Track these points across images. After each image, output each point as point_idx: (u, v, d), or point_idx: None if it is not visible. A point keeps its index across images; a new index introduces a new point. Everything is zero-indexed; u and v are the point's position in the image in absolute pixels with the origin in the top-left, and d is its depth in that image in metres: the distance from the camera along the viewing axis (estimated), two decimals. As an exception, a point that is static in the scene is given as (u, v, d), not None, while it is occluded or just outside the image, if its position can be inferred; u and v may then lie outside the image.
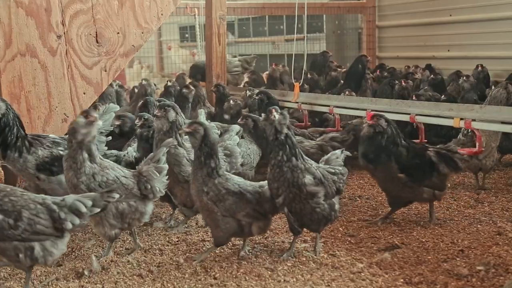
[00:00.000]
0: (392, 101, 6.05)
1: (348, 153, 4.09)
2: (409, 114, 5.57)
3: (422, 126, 5.56)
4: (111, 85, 7.17)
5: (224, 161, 4.51)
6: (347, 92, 6.97)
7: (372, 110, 5.92)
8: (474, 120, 4.99)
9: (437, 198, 4.44)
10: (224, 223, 3.61)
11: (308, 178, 3.59)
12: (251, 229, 3.70)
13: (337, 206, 3.77)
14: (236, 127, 5.07)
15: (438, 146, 4.59)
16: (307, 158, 3.73)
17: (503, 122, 4.86)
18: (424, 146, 4.52)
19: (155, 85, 8.20)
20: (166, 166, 3.85)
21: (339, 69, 8.46)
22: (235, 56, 13.78)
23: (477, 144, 5.08)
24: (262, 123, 3.82)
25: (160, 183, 3.78)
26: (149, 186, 3.74)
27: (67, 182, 3.68)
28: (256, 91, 6.76)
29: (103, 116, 4.53)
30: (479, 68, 7.52)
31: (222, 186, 3.59)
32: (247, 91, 6.72)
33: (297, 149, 3.63)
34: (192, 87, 7.11)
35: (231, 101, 6.37)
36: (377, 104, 6.02)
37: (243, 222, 3.64)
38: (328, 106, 6.44)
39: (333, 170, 3.79)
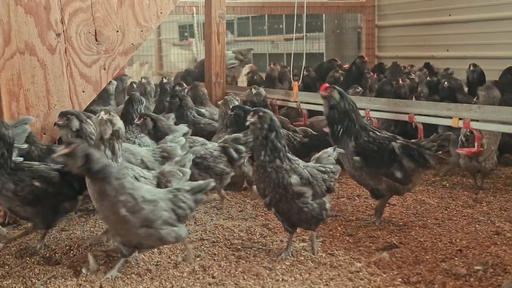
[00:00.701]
0: (390, 100, 6.06)
1: (341, 150, 4.08)
2: (408, 114, 5.59)
3: (421, 126, 5.57)
4: (110, 83, 7.17)
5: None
6: (353, 89, 6.99)
7: (370, 110, 5.95)
8: (477, 120, 5.01)
9: (398, 191, 4.37)
10: (142, 233, 3.34)
11: (294, 178, 3.58)
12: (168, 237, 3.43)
13: (328, 205, 3.75)
14: (184, 128, 4.75)
15: (412, 141, 4.53)
16: (294, 158, 3.70)
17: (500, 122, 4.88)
18: (392, 136, 4.45)
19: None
20: (189, 171, 3.80)
21: (340, 71, 8.43)
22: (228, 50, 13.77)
23: (475, 144, 5.10)
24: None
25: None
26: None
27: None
28: (261, 90, 6.75)
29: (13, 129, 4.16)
30: (471, 67, 7.53)
31: (137, 195, 3.29)
32: (253, 89, 6.71)
33: (281, 152, 3.60)
34: (185, 85, 7.11)
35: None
36: (376, 104, 6.02)
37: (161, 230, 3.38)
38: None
39: (323, 169, 3.76)
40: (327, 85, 4.48)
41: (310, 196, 3.63)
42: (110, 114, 3.72)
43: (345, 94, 4.43)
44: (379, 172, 4.29)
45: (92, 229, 4.37)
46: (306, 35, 7.69)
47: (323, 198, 3.72)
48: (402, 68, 8.79)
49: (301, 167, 3.66)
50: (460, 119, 5.11)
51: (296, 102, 6.94)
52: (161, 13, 5.38)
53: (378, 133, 4.41)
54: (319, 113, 6.79)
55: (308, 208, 3.64)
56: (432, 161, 4.31)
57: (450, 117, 5.22)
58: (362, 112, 5.99)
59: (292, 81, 7.15)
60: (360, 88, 7.13)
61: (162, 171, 3.74)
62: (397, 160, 4.27)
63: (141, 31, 5.26)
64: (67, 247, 3.95)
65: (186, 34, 14.89)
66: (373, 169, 4.29)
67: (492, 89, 5.73)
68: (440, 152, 4.32)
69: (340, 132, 4.33)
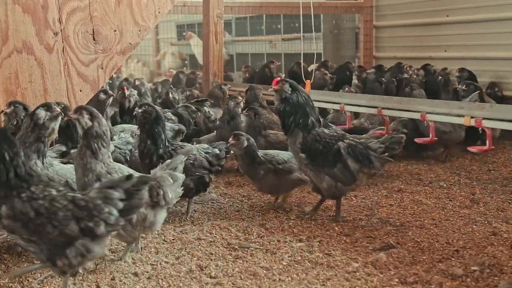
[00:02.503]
0: (403, 99, 6.10)
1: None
2: (420, 112, 5.61)
3: (433, 124, 5.59)
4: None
5: None
6: (346, 89, 7.05)
7: (382, 108, 5.98)
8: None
9: (339, 191, 4.37)
10: None
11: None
12: None
13: (81, 252, 2.94)
14: None
15: (361, 140, 4.52)
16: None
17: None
18: (341, 134, 4.46)
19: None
20: (182, 175, 3.68)
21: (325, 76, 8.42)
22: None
23: (487, 142, 5.13)
24: None
25: (173, 191, 3.61)
26: (161, 192, 3.57)
27: (77, 182, 3.62)
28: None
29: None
30: (457, 73, 7.60)
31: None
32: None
33: None
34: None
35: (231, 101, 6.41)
36: (388, 102, 6.05)
37: None
38: (339, 103, 6.46)
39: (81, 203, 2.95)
40: (279, 78, 4.53)
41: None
42: (78, 112, 3.56)
43: (298, 88, 4.44)
44: (322, 170, 4.32)
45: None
46: (303, 35, 7.69)
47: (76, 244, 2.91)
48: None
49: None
50: (472, 117, 5.15)
51: None
52: (159, 12, 5.38)
53: (328, 131, 4.42)
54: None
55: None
56: (377, 163, 4.33)
57: (462, 116, 5.26)
58: (374, 111, 6.07)
59: (304, 80, 7.17)
60: (350, 88, 7.22)
61: (154, 176, 3.58)
62: (341, 160, 4.29)
63: (139, 31, 5.27)
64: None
65: (184, 33, 14.91)
66: (316, 166, 4.32)
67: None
68: (387, 154, 4.33)
69: (292, 125, 4.34)
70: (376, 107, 6.01)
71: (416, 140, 5.69)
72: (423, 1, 9.73)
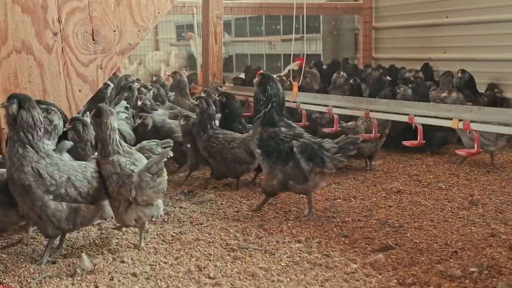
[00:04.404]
0: (390, 101, 6.07)
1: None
2: (408, 114, 5.60)
3: (421, 127, 5.57)
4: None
5: None
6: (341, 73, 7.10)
7: (370, 111, 5.96)
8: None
9: (295, 190, 4.51)
10: None
11: None
12: None
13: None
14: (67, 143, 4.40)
15: (317, 140, 4.53)
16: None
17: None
18: (298, 133, 4.55)
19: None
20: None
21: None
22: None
23: (475, 145, 5.13)
24: None
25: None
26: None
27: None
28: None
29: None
30: (459, 73, 7.59)
31: None
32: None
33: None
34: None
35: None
36: (375, 105, 6.03)
37: None
38: (327, 106, 6.45)
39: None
40: (261, 71, 4.79)
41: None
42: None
43: (273, 81, 4.58)
44: (276, 167, 4.44)
45: (86, 228, 4.36)
46: (304, 36, 7.69)
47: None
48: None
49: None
50: (460, 120, 5.14)
51: (295, 102, 6.94)
52: (158, 13, 5.38)
53: (286, 129, 4.51)
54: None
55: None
56: (329, 163, 4.38)
57: (450, 119, 5.25)
58: (360, 113, 6.07)
59: (292, 81, 7.15)
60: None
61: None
62: (293, 159, 4.38)
63: (139, 31, 5.26)
64: (63, 246, 3.95)
65: (183, 34, 14.92)
66: (270, 163, 4.46)
67: None
68: (340, 154, 4.36)
69: (262, 107, 4.52)
70: (363, 110, 6.04)
71: (404, 143, 5.69)
72: (423, 2, 9.74)
